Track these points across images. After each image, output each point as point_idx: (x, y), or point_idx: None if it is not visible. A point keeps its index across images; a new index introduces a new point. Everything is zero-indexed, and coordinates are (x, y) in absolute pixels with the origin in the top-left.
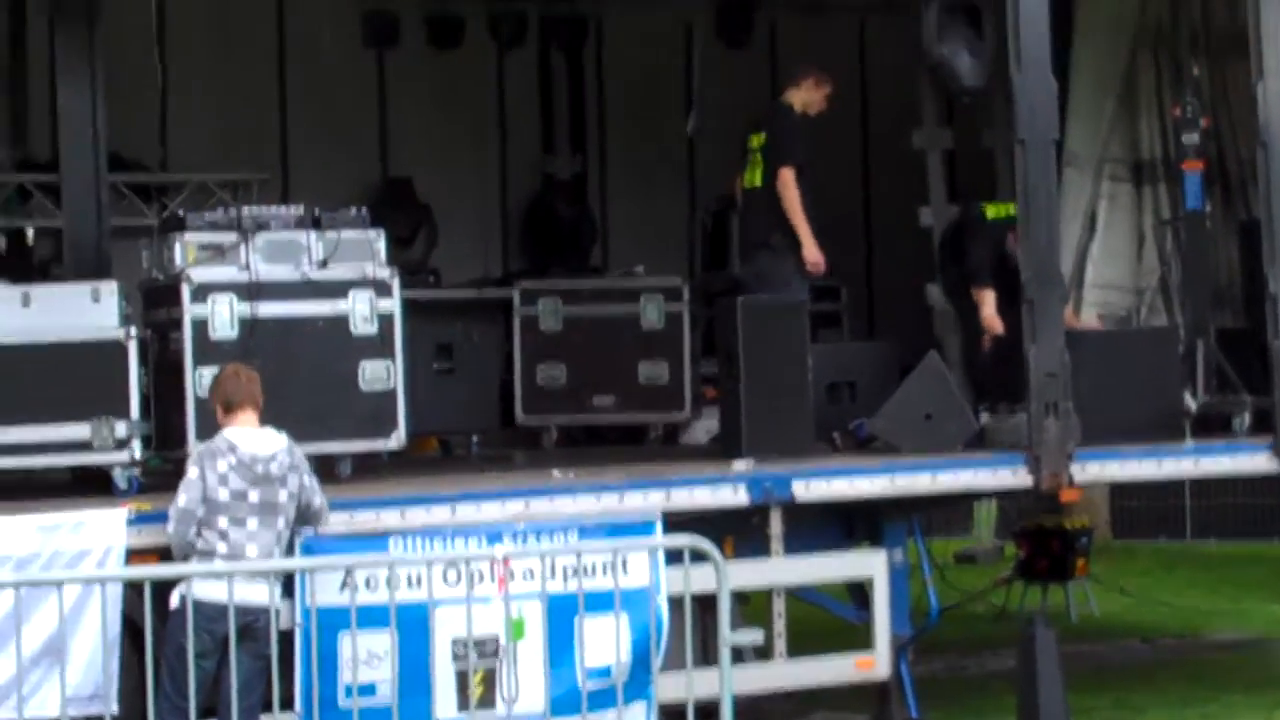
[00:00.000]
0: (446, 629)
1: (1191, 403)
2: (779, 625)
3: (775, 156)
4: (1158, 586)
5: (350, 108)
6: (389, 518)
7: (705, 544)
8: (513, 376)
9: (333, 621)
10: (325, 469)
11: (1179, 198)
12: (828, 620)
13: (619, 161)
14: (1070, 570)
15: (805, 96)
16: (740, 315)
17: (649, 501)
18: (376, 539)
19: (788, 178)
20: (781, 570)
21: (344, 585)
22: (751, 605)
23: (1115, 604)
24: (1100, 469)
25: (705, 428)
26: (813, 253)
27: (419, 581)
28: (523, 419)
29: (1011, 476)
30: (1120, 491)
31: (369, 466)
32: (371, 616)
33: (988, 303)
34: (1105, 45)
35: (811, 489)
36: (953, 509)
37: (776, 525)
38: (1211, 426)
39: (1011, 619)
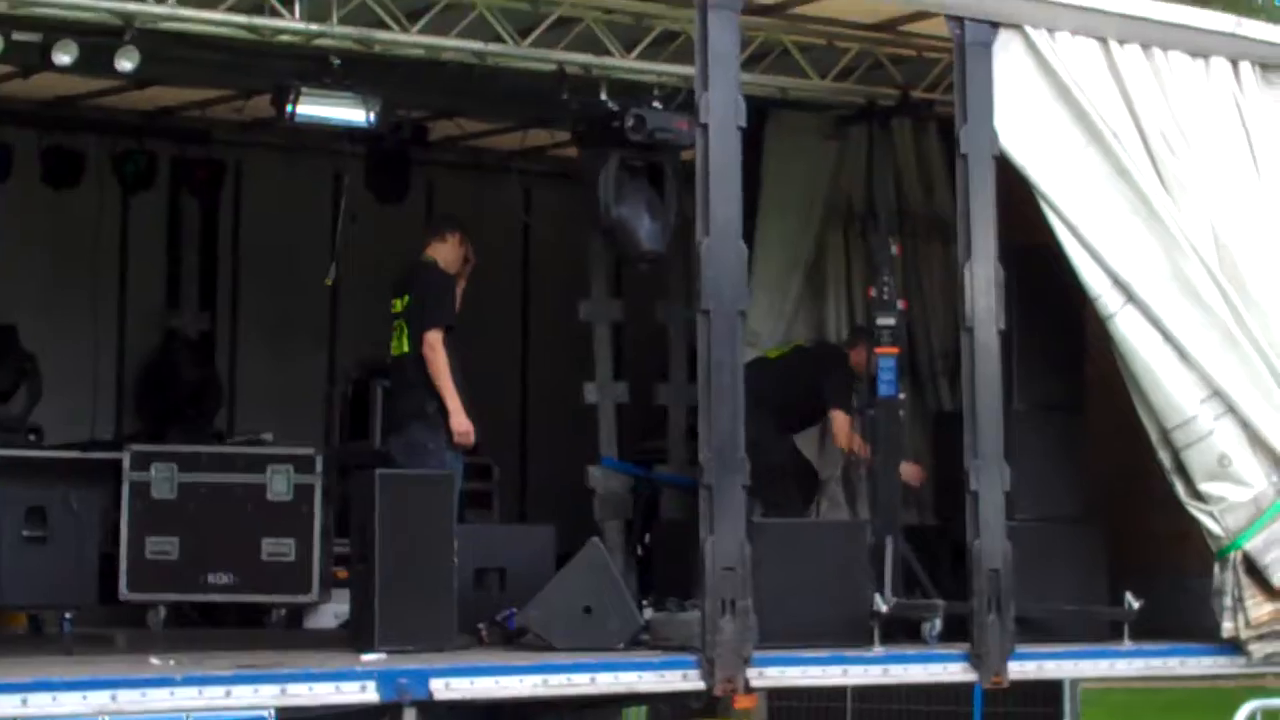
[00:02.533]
0: None
1: (882, 604)
2: None
3: (421, 318)
4: None
5: None
6: None
7: None
8: (119, 548)
9: None
10: None
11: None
12: None
13: (253, 319)
14: None
15: (449, 254)
16: (378, 488)
17: (259, 697)
18: None
19: (434, 340)
20: None
21: None
22: None
23: None
24: (780, 674)
25: (335, 611)
26: (460, 421)
27: None
28: (127, 595)
29: (681, 680)
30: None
31: None
32: None
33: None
34: (793, 221)
35: (452, 688)
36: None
37: None
38: (895, 631)
39: None
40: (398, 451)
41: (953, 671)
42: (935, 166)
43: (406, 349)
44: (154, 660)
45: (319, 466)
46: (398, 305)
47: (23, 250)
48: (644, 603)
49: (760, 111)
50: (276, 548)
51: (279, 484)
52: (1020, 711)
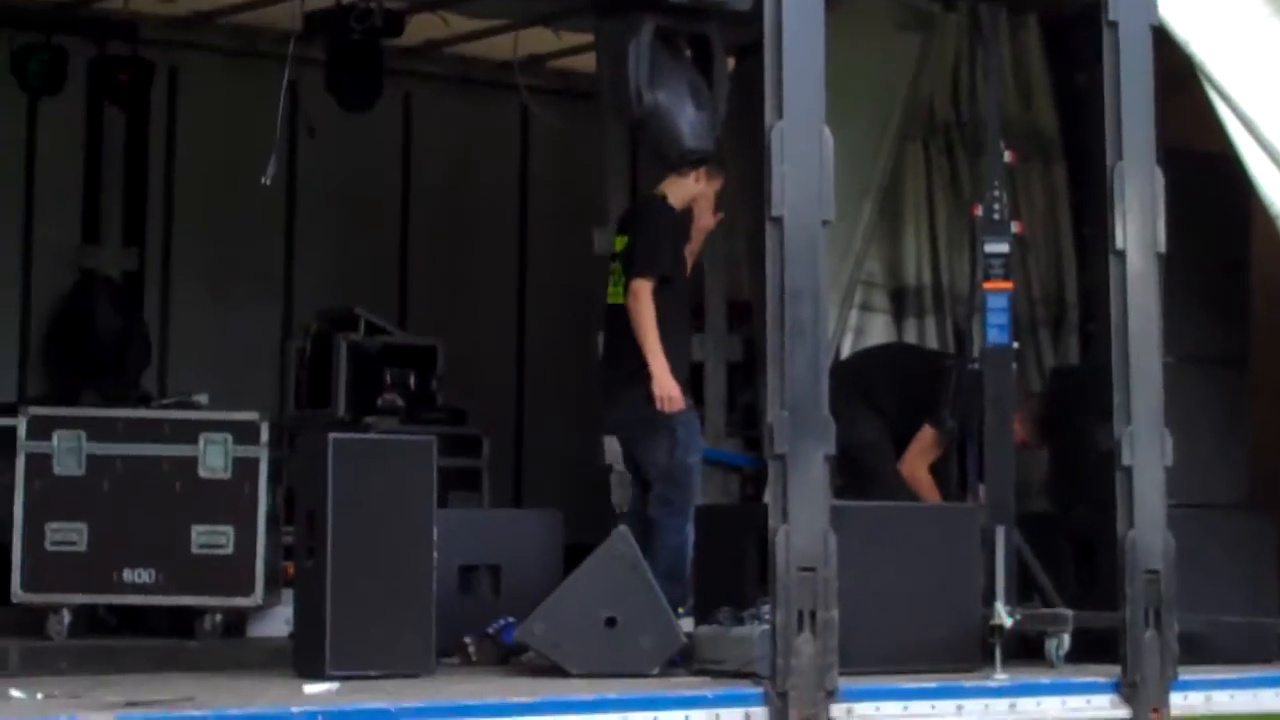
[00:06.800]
0: None
1: (1004, 616)
2: None
3: (630, 264)
4: None
5: None
6: None
7: None
8: (11, 538)
9: None
10: None
11: (948, 335)
12: None
13: (188, 258)
14: None
15: (684, 193)
16: (331, 457)
17: None
18: None
19: (639, 290)
20: None
21: None
22: None
23: None
24: (875, 711)
25: (286, 616)
26: (666, 382)
27: None
28: (21, 596)
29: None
30: None
31: None
32: None
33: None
34: (861, 134)
35: None
36: None
37: None
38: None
39: None
40: (625, 424)
41: (1098, 706)
42: (1035, 71)
43: (623, 298)
44: (15, 693)
45: (264, 436)
46: (619, 244)
47: None
48: (679, 611)
49: None
50: (210, 537)
51: (214, 457)
52: None
